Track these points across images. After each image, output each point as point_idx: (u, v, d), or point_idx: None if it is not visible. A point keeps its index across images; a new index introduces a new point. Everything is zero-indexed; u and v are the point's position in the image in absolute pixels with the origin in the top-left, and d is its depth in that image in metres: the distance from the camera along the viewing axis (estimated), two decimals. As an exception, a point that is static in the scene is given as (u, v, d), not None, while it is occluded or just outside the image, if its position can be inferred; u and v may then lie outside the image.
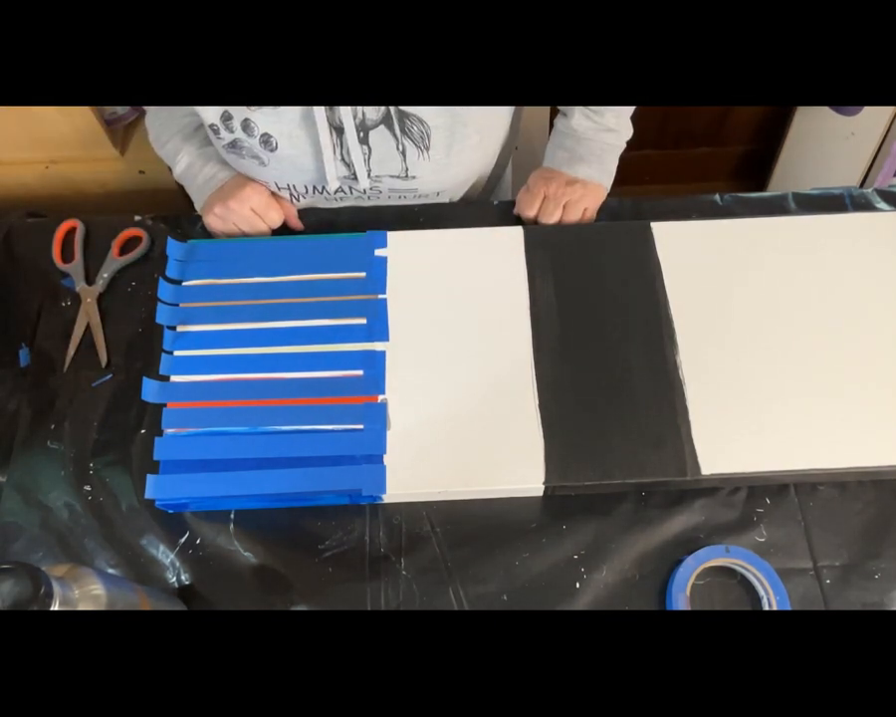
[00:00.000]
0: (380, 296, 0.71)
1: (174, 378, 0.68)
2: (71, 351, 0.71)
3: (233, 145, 0.71)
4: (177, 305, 0.72)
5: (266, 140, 0.70)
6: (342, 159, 0.72)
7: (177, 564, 0.62)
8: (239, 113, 0.68)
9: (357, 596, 0.61)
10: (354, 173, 0.73)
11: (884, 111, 1.25)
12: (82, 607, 0.45)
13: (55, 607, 0.42)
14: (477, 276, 0.72)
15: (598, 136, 0.78)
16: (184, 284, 0.73)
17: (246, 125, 0.69)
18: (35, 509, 0.65)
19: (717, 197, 0.80)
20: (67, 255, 0.76)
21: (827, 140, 1.34)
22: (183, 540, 0.63)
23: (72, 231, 0.78)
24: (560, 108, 0.81)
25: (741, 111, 1.41)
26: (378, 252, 0.74)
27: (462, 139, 0.72)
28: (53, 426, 0.68)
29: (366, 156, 0.72)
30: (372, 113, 0.69)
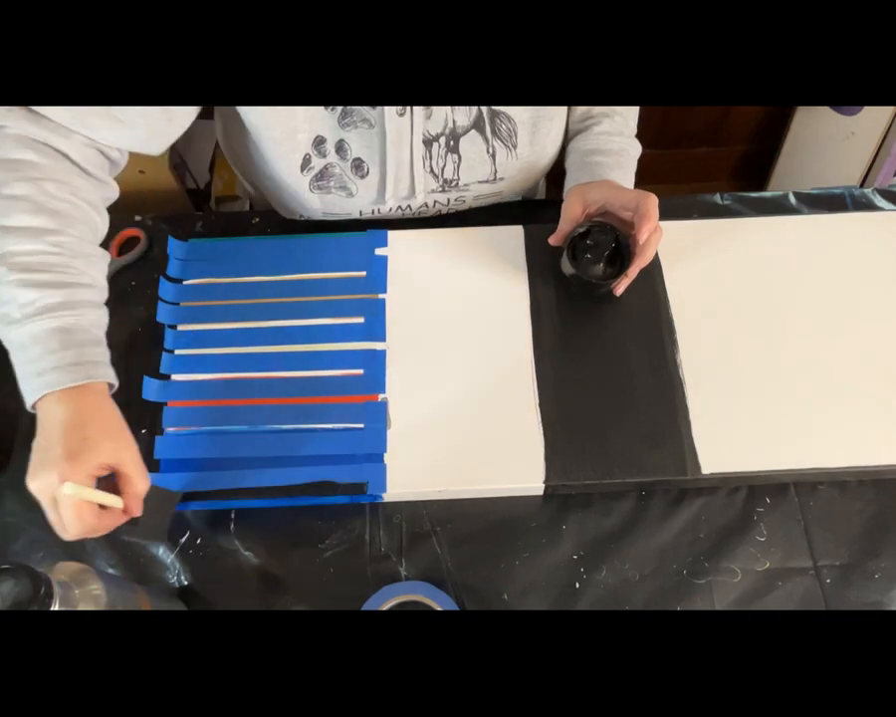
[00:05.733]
0: (380, 295, 0.71)
1: (175, 377, 0.68)
2: (71, 350, 0.71)
3: (321, 176, 0.69)
4: (178, 303, 0.72)
5: (358, 165, 0.68)
6: (432, 171, 0.71)
7: (177, 564, 0.62)
8: (333, 134, 0.66)
9: (358, 596, 0.61)
10: (443, 185, 0.72)
11: (884, 111, 1.25)
12: (82, 607, 0.45)
13: (55, 607, 0.43)
14: (477, 276, 0.72)
15: (623, 146, 0.74)
16: (185, 283, 0.73)
17: (340, 147, 0.67)
18: (35, 509, 0.64)
19: (717, 197, 0.80)
20: (67, 255, 0.76)
21: (827, 140, 1.34)
22: (183, 540, 0.63)
23: (72, 231, 0.77)
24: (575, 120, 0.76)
25: (741, 111, 1.41)
26: (379, 251, 0.74)
27: (544, 134, 0.71)
28: (53, 426, 0.67)
29: (456, 165, 0.71)
30: (463, 119, 0.68)
